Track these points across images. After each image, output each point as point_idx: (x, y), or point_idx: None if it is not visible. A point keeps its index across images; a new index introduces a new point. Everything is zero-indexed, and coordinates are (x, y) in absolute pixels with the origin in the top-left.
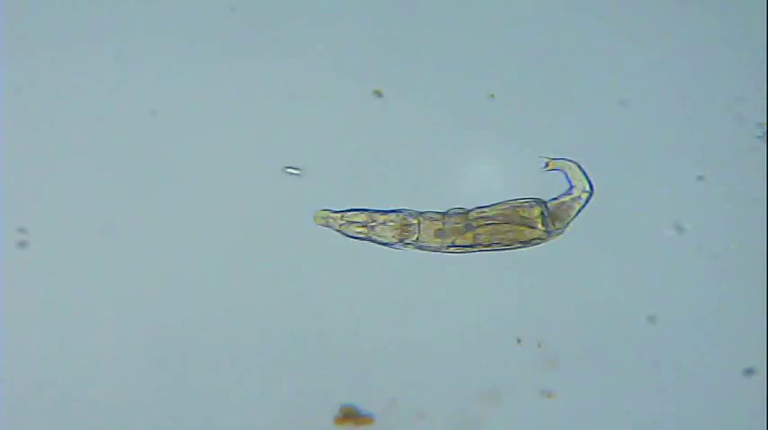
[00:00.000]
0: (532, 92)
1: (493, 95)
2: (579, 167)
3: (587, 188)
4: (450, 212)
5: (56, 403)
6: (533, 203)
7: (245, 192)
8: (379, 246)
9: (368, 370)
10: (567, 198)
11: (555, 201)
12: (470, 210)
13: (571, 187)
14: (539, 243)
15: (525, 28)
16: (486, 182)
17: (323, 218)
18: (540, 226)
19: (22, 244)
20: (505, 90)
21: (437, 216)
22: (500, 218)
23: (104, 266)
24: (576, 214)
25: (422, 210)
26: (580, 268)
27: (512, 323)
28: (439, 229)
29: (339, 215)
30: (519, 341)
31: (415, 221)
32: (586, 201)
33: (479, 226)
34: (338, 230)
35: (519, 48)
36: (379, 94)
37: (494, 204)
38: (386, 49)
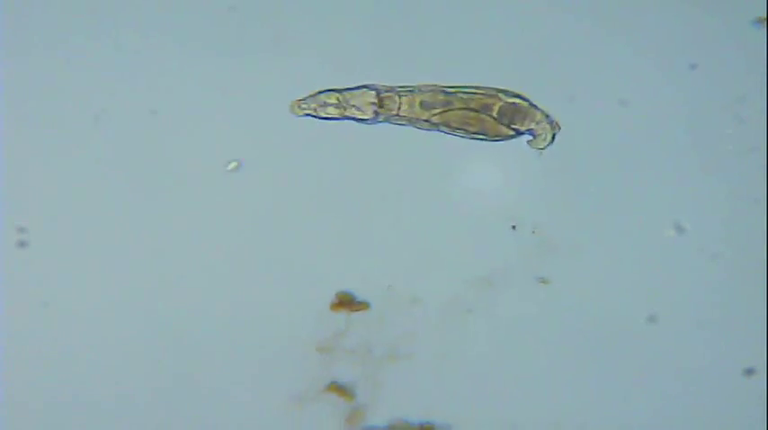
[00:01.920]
0: (532, 92)
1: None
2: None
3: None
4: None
5: (56, 403)
6: (505, 96)
7: (245, 192)
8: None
9: (363, 257)
10: (534, 110)
11: (516, 107)
12: (450, 87)
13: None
14: (499, 138)
15: (525, 28)
16: (486, 182)
17: (296, 106)
18: (494, 115)
19: (22, 244)
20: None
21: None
22: (469, 104)
23: (104, 266)
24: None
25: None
26: (580, 268)
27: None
28: (423, 101)
29: (311, 99)
30: (514, 227)
31: (396, 96)
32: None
33: (451, 109)
34: (315, 115)
35: (519, 47)
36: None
37: (471, 88)
38: (385, 48)
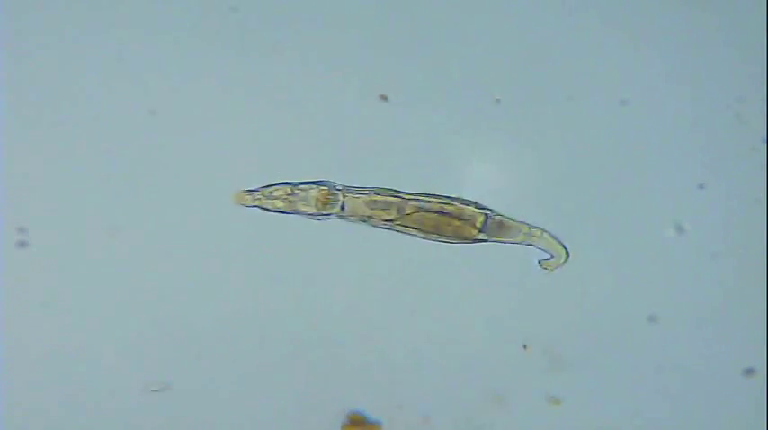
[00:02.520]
0: (532, 92)
1: (498, 100)
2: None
3: (563, 254)
4: (380, 190)
5: (56, 403)
6: (479, 207)
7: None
8: (303, 218)
9: (374, 376)
10: (521, 225)
11: (506, 218)
12: (402, 193)
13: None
14: (463, 242)
15: (525, 28)
16: (486, 181)
17: (242, 198)
18: (477, 225)
19: (22, 244)
20: (505, 90)
21: (362, 191)
22: (435, 207)
23: (104, 266)
24: (512, 243)
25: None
26: (580, 268)
27: (513, 324)
28: (372, 200)
29: (261, 191)
30: (525, 347)
31: (340, 193)
32: (531, 245)
33: (412, 211)
34: (259, 206)
35: (519, 47)
36: (384, 98)
37: (429, 194)
38: (386, 49)
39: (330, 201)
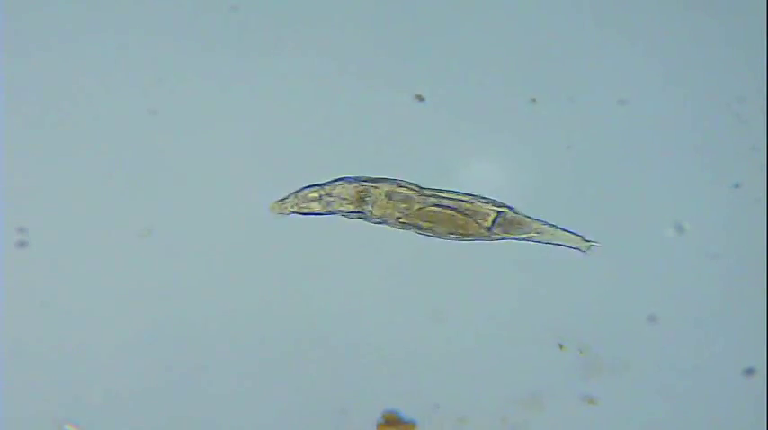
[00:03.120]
0: (532, 91)
1: (534, 100)
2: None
3: (583, 242)
4: (407, 184)
5: (56, 403)
6: (496, 204)
7: (246, 192)
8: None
9: (410, 375)
10: (533, 221)
11: (519, 214)
12: (426, 189)
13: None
14: (475, 239)
15: (525, 28)
16: (485, 181)
17: (278, 206)
18: (487, 223)
19: (22, 244)
20: (505, 90)
21: (391, 182)
22: (449, 204)
23: (104, 266)
24: (524, 240)
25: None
26: (580, 268)
27: (549, 323)
28: (391, 190)
29: (293, 196)
30: (561, 346)
31: (372, 189)
32: (545, 242)
33: (426, 207)
34: (296, 212)
35: (519, 47)
36: (420, 98)
37: (448, 190)
38: (386, 48)
39: (365, 196)
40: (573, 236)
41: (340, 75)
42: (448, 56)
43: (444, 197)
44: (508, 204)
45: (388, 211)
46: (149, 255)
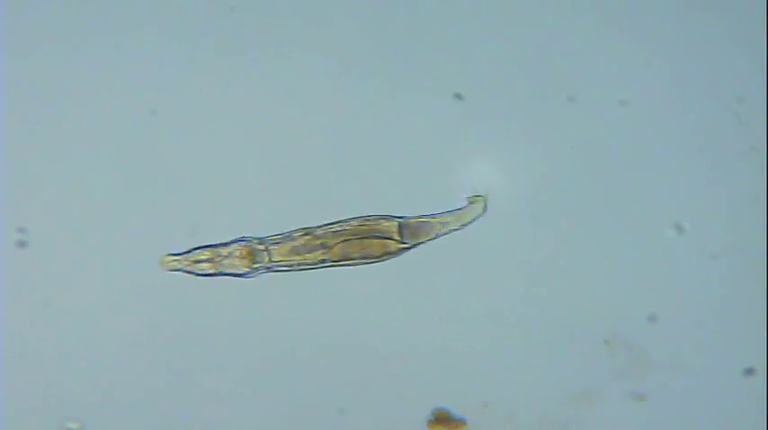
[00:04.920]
0: (532, 91)
1: (572, 97)
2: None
3: (479, 206)
4: (294, 234)
5: (56, 403)
6: (389, 218)
7: (246, 192)
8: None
9: (460, 373)
10: (431, 219)
11: (416, 219)
12: (317, 228)
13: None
14: (391, 256)
15: (525, 27)
16: (485, 181)
17: (167, 263)
18: (396, 237)
19: (22, 244)
20: (505, 90)
21: (281, 238)
22: (351, 232)
23: (104, 266)
24: (437, 237)
25: (261, 236)
26: (580, 268)
27: (594, 319)
28: (294, 247)
29: (183, 257)
30: (607, 342)
31: (262, 247)
32: (454, 230)
33: (334, 243)
34: (187, 271)
35: (519, 47)
36: (459, 96)
37: (340, 221)
38: (385, 47)
39: (254, 256)
40: (467, 207)
41: (340, 75)
42: (447, 55)
43: (337, 229)
44: (395, 215)
45: (295, 260)
46: (149, 255)
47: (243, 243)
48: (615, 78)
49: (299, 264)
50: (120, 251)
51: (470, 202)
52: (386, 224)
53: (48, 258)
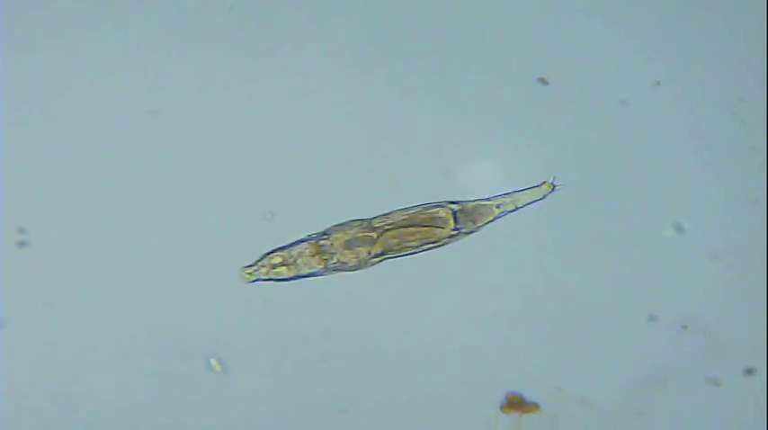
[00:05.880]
0: (532, 91)
1: (659, 83)
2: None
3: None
4: (351, 223)
5: (56, 403)
6: (443, 205)
7: (246, 192)
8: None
9: (533, 358)
10: (487, 202)
11: (472, 203)
12: (372, 219)
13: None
14: (448, 242)
15: (525, 27)
16: (485, 181)
17: (247, 276)
18: (451, 224)
19: (22, 244)
20: (505, 89)
21: (339, 229)
22: (405, 221)
23: (104, 266)
24: (493, 220)
25: (322, 230)
26: (580, 268)
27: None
28: (347, 241)
29: (259, 265)
30: (685, 328)
31: (327, 241)
32: (511, 211)
33: (386, 231)
34: (268, 279)
35: (519, 47)
36: (544, 81)
37: (397, 210)
38: (385, 47)
39: (324, 251)
40: (530, 190)
41: (340, 75)
42: (447, 55)
43: (394, 220)
44: (454, 200)
45: (353, 257)
46: (150, 255)
47: (307, 242)
48: (615, 78)
49: (363, 259)
50: (120, 251)
51: (543, 189)
52: (440, 211)
53: (48, 258)
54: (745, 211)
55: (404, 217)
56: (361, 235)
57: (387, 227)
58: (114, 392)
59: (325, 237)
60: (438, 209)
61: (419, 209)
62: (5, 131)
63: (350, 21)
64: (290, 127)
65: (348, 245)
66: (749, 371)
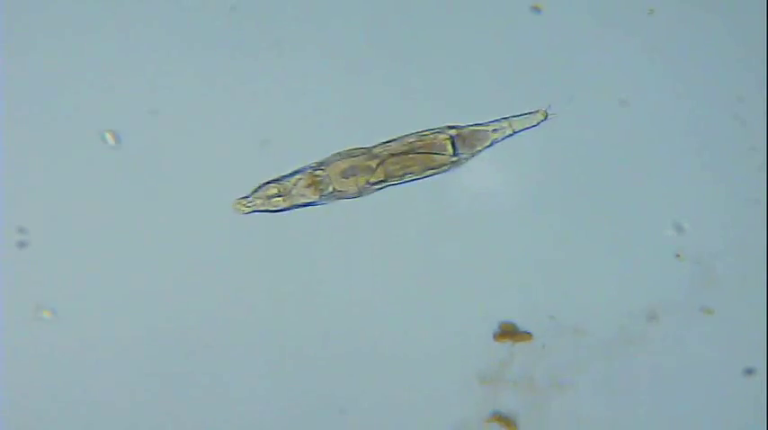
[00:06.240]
0: (532, 92)
1: (651, 10)
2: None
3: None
4: (352, 152)
5: (55, 403)
6: (442, 130)
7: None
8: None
9: (526, 286)
10: (485, 127)
11: (471, 127)
12: (373, 147)
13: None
14: (449, 168)
15: (525, 27)
16: (485, 181)
17: (241, 207)
18: (448, 150)
19: (22, 244)
20: (505, 90)
21: (337, 157)
22: (406, 148)
23: (104, 267)
24: (491, 145)
25: (319, 160)
26: (580, 267)
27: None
28: (343, 170)
29: (254, 196)
30: (678, 256)
31: (322, 172)
32: (509, 136)
33: (386, 159)
34: (263, 210)
35: (519, 47)
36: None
37: (398, 137)
38: (385, 48)
39: (319, 182)
40: (526, 115)
41: (340, 75)
42: (447, 55)
43: (394, 147)
44: (451, 125)
45: (352, 186)
46: (150, 255)
47: (303, 173)
48: (615, 78)
49: (362, 186)
50: (120, 251)
51: (538, 115)
52: (439, 138)
53: (48, 258)
54: (745, 211)
55: (403, 145)
56: (359, 164)
57: (387, 154)
58: (114, 392)
59: (321, 167)
60: (437, 134)
61: (418, 136)
62: (5, 131)
63: (350, 21)
64: (290, 127)
65: (345, 174)
66: (749, 371)
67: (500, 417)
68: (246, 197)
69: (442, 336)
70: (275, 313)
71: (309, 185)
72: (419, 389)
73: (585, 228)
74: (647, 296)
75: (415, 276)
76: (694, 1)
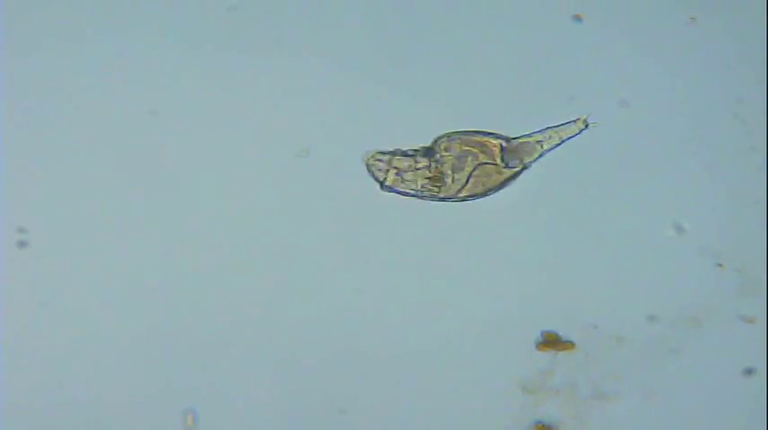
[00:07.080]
0: (532, 92)
1: (693, 18)
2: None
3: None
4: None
5: (55, 403)
6: (496, 137)
7: (246, 192)
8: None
9: (569, 296)
10: (532, 139)
11: (520, 139)
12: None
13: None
14: (505, 184)
15: (526, 28)
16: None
17: (373, 159)
18: (497, 159)
19: (22, 244)
20: (505, 90)
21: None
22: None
23: (104, 266)
24: (539, 157)
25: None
26: (580, 268)
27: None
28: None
29: (388, 158)
30: (720, 265)
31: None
32: (556, 146)
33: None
34: (371, 170)
35: (519, 47)
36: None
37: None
38: (384, 48)
39: (439, 178)
40: (569, 125)
41: (340, 75)
42: (447, 55)
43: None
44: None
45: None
46: (150, 255)
47: (431, 162)
48: (615, 78)
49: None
50: (120, 251)
51: (579, 125)
52: (492, 141)
53: (48, 258)
54: (745, 211)
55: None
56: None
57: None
58: (114, 391)
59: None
60: (489, 137)
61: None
62: (5, 131)
63: (350, 20)
64: (290, 127)
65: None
66: (749, 371)
67: (543, 427)
68: (384, 152)
69: (485, 345)
70: (276, 312)
71: (428, 178)
72: (465, 398)
73: (586, 228)
74: (688, 303)
75: (449, 282)
76: (694, 1)
